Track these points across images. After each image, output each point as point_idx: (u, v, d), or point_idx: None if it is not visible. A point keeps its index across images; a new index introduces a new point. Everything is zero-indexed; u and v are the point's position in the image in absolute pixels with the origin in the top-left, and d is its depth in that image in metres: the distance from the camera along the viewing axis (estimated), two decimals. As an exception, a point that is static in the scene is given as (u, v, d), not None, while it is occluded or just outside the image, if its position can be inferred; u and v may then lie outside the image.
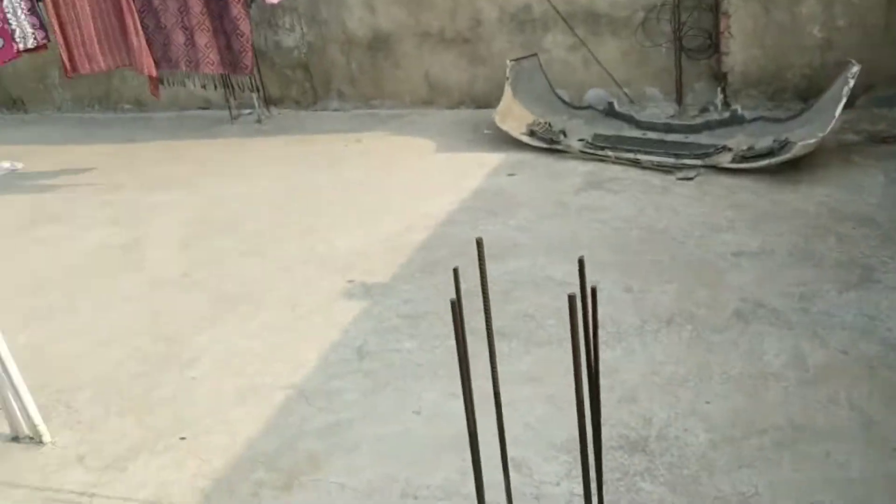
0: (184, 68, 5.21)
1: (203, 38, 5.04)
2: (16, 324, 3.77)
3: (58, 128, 7.63)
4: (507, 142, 5.38)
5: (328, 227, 4.50)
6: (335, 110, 6.90)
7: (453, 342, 2.96)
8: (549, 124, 5.40)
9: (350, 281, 3.82)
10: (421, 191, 4.90)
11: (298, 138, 6.31)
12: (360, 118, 6.62)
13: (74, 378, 3.28)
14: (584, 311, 1.68)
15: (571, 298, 1.56)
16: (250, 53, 5.04)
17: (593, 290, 1.58)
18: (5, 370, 2.74)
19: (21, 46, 5.15)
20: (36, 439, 2.84)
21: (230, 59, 5.08)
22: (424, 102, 6.63)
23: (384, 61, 6.59)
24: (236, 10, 4.90)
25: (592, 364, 1.84)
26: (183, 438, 2.82)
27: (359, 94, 6.81)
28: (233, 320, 3.60)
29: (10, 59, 5.24)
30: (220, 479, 2.59)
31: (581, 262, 1.62)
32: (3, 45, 5.17)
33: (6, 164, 6.56)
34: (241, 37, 4.96)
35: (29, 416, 2.83)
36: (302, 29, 6.73)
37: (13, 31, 5.11)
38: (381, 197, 4.90)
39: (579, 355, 1.71)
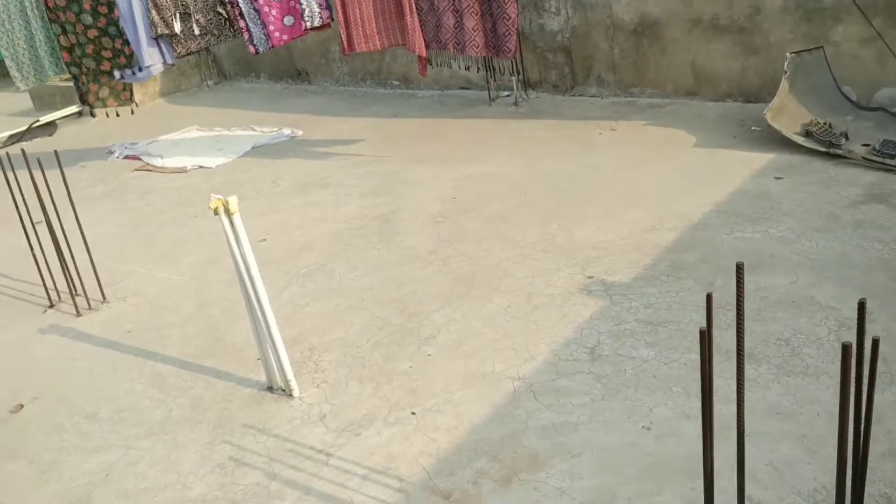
0: (451, 50, 5.38)
1: (471, 21, 5.16)
2: (280, 281, 4.16)
3: (334, 99, 8.28)
4: (777, 141, 4.93)
5: (571, 217, 4.43)
6: (592, 96, 6.77)
7: (693, 356, 2.77)
8: (829, 125, 4.86)
9: (590, 277, 3.73)
10: (674, 187, 4.65)
11: (553, 123, 6.28)
12: (618, 106, 6.43)
13: (324, 338, 3.54)
14: (858, 360, 1.46)
15: (846, 348, 1.36)
16: (515, 37, 5.07)
17: (875, 343, 1.37)
18: (267, 325, 3.01)
19: (308, 25, 5.61)
20: (287, 392, 3.11)
21: (494, 42, 5.16)
22: (688, 93, 6.27)
23: (649, 48, 6.33)
24: (505, -8, 4.94)
25: (863, 415, 1.60)
26: (413, 413, 2.93)
27: (619, 80, 6.61)
28: (469, 302, 3.67)
29: (298, 36, 5.74)
30: (443, 460, 2.66)
31: (861, 307, 1.40)
32: (294, 23, 5.67)
33: (287, 131, 7.25)
34: (508, 20, 5.00)
35: (283, 370, 3.09)
36: (567, 13, 6.65)
37: (303, 11, 5.59)
38: (629, 190, 4.72)
39: (848, 407, 1.49)
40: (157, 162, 6.90)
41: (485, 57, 5.65)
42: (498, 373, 3.10)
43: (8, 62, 6.51)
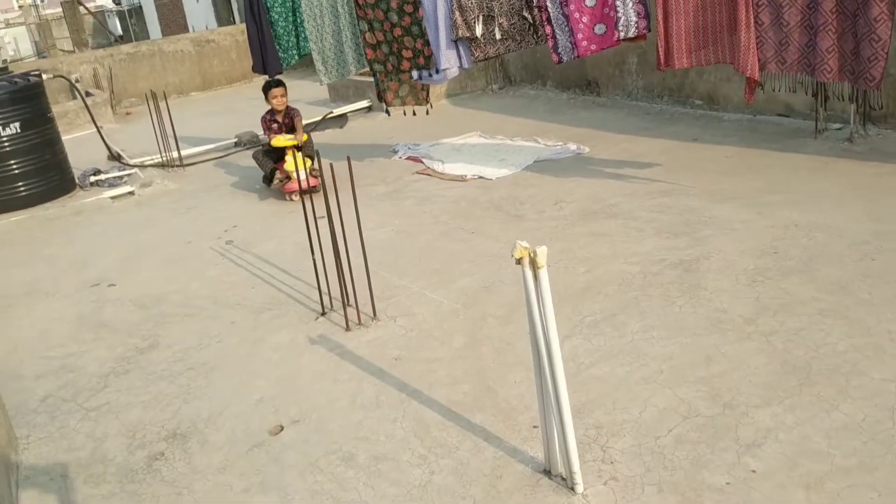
0: (798, 71, 4.49)
1: (826, 41, 4.24)
2: (562, 327, 3.62)
3: (624, 115, 7.63)
4: None
5: (945, 303, 3.41)
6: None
7: None
8: None
9: (983, 396, 2.75)
10: None
11: (899, 168, 5.12)
12: None
13: (613, 415, 2.94)
14: None
15: None
16: (882, 63, 4.07)
17: None
18: (557, 401, 2.48)
19: (622, 35, 5.02)
20: (568, 484, 2.56)
21: (854, 66, 4.20)
22: None
23: None
24: (878, 9, 3.97)
25: None
26: (733, 555, 2.24)
27: None
28: (805, 402, 2.86)
29: (607, 47, 5.17)
30: None
31: None
32: (605, 32, 5.11)
33: (573, 147, 6.73)
34: (876, 42, 4.02)
35: (567, 454, 2.54)
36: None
37: (618, 19, 5.00)
38: None
39: None
40: (438, 167, 6.72)
41: (820, 82, 4.70)
42: (852, 518, 2.30)
43: (315, 55, 6.67)
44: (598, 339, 3.51)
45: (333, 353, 3.73)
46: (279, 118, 6.55)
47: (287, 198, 6.36)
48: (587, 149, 6.63)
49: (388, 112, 6.70)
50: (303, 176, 5.73)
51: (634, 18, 4.96)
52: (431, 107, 6.62)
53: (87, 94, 11.74)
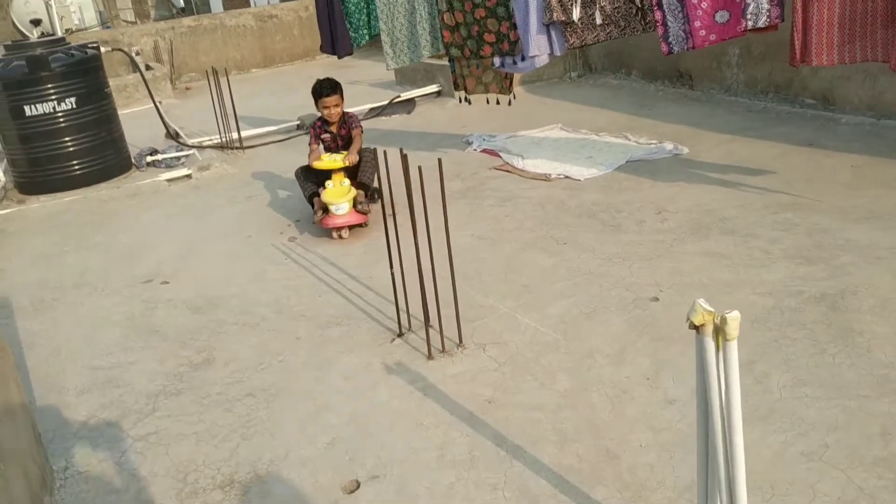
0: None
1: None
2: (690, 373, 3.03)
3: (723, 112, 6.92)
4: None
5: None
6: None
7: None
8: None
9: None
10: None
11: None
12: None
13: (776, 501, 2.35)
14: None
15: None
16: None
17: None
18: (732, 498, 1.90)
19: (750, 24, 4.35)
20: None
21: None
22: None
23: None
24: None
25: None
26: None
27: None
28: None
29: (730, 37, 4.51)
30: None
31: None
32: (728, 20, 4.45)
33: (668, 146, 6.08)
34: None
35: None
36: None
37: (746, 6, 4.34)
38: None
39: None
40: (518, 163, 6.14)
41: None
42: None
43: (383, 37, 6.10)
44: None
45: (415, 388, 3.21)
46: (333, 128, 5.39)
47: (333, 234, 5.02)
48: (685, 149, 5.97)
49: (467, 100, 6.12)
50: (343, 210, 4.89)
51: (767, 6, 4.29)
52: (515, 97, 6.03)
53: (148, 67, 11.41)
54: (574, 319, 3.61)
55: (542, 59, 5.31)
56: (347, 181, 5.10)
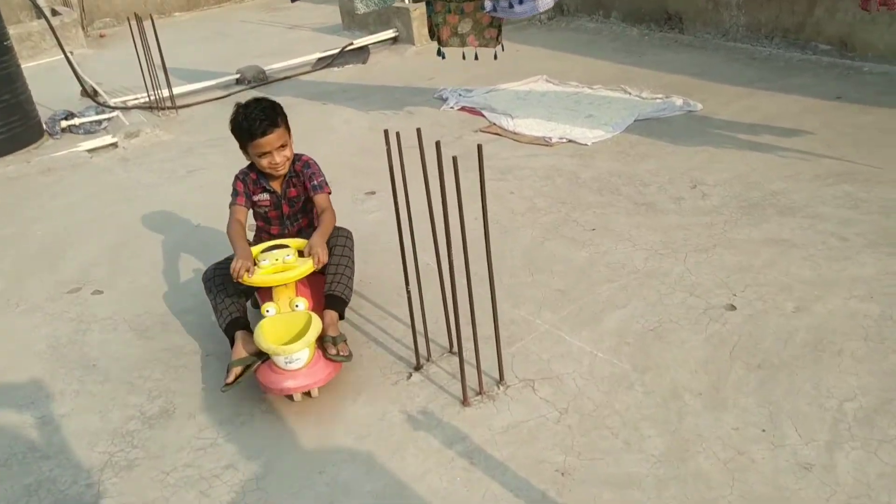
0: None
1: None
2: (819, 424, 2.33)
3: (724, 60, 6.20)
4: None
5: None
6: None
7: None
8: None
9: None
10: None
11: None
12: None
13: None
14: None
15: None
16: None
17: None
18: None
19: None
20: None
21: None
22: None
23: None
24: None
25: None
26: None
27: None
28: None
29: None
30: None
31: None
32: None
33: (678, 102, 5.33)
34: None
35: None
36: None
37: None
38: None
39: None
40: (508, 124, 5.30)
41: None
42: None
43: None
44: (888, 455, 2.22)
45: (456, 454, 2.41)
46: (276, 185, 3.15)
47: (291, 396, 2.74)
48: (699, 105, 5.23)
49: (441, 54, 5.23)
50: (300, 361, 2.57)
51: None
52: (503, 49, 5.15)
53: (54, 12, 9.99)
54: (638, 339, 2.87)
55: (546, 2, 4.46)
56: (303, 301, 2.76)
